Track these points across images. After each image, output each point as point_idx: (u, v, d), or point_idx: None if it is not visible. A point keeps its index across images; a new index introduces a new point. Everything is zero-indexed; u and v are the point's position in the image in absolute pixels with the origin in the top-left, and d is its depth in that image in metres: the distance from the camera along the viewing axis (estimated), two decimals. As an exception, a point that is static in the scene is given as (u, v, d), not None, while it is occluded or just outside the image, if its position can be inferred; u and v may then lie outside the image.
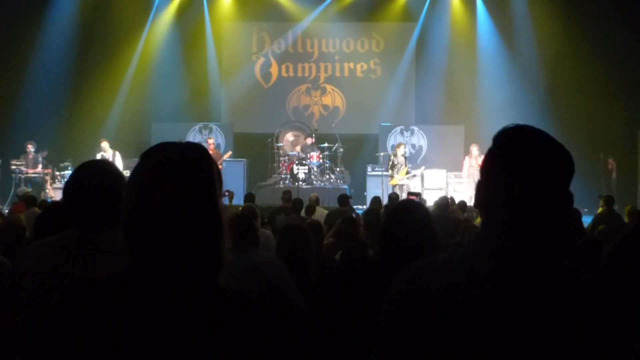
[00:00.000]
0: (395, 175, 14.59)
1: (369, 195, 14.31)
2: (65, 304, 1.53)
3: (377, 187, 15.22)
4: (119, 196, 2.13)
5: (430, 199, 11.95)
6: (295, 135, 17.82)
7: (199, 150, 1.58)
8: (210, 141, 16.03)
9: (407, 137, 17.32)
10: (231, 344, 1.47)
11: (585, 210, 10.30)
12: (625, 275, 2.99)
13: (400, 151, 14.94)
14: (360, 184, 16.36)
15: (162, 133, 17.47)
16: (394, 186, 14.53)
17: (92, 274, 1.80)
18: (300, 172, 15.96)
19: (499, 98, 17.03)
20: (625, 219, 9.88)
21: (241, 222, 4.31)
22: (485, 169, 1.64)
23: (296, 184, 15.59)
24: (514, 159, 1.58)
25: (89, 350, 1.45)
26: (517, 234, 1.59)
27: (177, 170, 1.51)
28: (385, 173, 15.45)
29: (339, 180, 16.31)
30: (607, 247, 3.76)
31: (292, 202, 10.47)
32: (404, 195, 13.30)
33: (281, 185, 15.51)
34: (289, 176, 16.13)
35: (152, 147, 1.59)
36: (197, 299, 1.48)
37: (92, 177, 2.28)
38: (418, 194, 9.80)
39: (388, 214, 3.45)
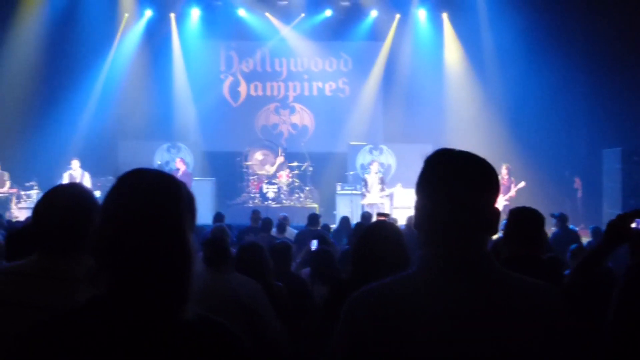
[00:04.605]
0: (368, 195, 14.58)
1: (339, 214, 14.30)
2: (27, 337, 1.50)
3: (347, 206, 15.23)
4: (89, 222, 2.10)
5: (400, 218, 11.97)
6: (264, 154, 17.77)
7: (169, 180, 1.58)
8: (178, 160, 15.85)
9: (376, 155, 17.38)
10: None
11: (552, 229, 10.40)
12: (589, 293, 3.04)
13: (374, 169, 14.95)
14: (329, 203, 16.35)
15: (129, 152, 17.36)
16: (365, 205, 14.51)
17: (54, 303, 1.77)
18: (270, 191, 15.92)
19: (465, 116, 17.23)
20: (587, 239, 10.10)
21: (216, 243, 4.28)
22: (418, 190, 1.71)
23: (265, 203, 15.53)
24: (443, 179, 1.65)
25: None
26: (456, 251, 1.62)
27: (146, 200, 1.51)
28: (355, 192, 15.47)
29: (308, 199, 16.29)
30: (573, 264, 3.81)
31: (261, 222, 10.42)
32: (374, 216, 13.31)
33: (250, 205, 15.44)
34: (258, 195, 16.06)
35: (126, 172, 1.61)
36: (162, 332, 1.47)
37: (62, 201, 2.22)
38: (387, 215, 9.81)
39: (361, 234, 3.44)
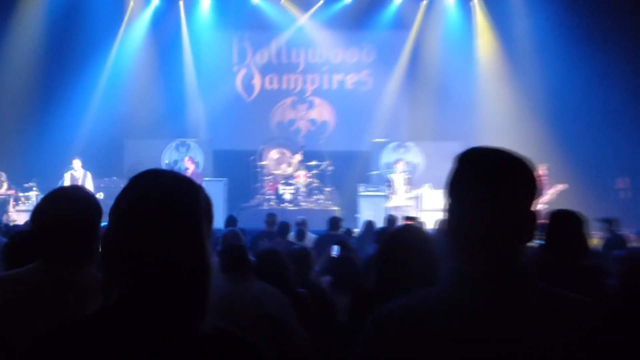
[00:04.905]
0: (393, 196, 14.53)
1: (361, 218, 14.28)
2: (33, 349, 1.50)
3: (370, 208, 15.18)
4: (94, 229, 2.11)
5: (428, 222, 11.91)
6: (280, 153, 17.78)
7: (186, 183, 1.58)
8: (187, 159, 15.90)
9: (401, 153, 17.31)
10: None
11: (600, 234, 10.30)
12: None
13: (400, 168, 14.88)
14: (350, 205, 16.33)
15: (135, 150, 17.46)
16: (390, 208, 14.44)
17: (60, 314, 1.78)
18: (287, 192, 15.91)
19: (499, 112, 17.10)
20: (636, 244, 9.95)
21: (235, 249, 4.30)
22: (448, 192, 1.67)
23: (281, 205, 15.53)
24: (476, 180, 1.62)
25: None
26: (491, 263, 1.59)
27: (161, 204, 1.51)
28: (379, 193, 15.44)
29: (328, 201, 16.27)
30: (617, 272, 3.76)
31: (277, 226, 10.42)
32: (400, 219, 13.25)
33: (265, 207, 15.46)
34: (273, 197, 16.07)
35: (139, 173, 1.60)
36: (177, 346, 1.46)
37: (65, 206, 2.24)
38: (414, 219, 9.77)
39: (386, 240, 3.42)
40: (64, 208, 2.23)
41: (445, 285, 1.65)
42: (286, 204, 15.77)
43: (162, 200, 1.51)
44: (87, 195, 2.32)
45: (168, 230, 1.49)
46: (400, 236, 3.30)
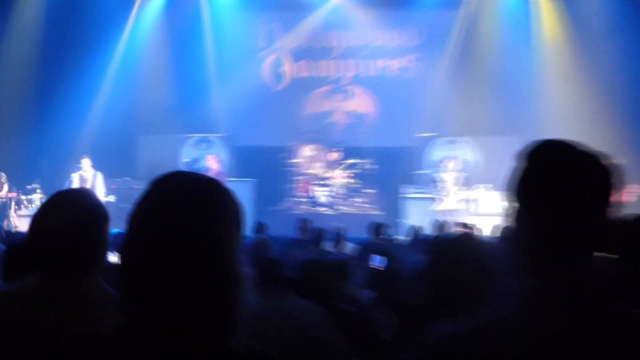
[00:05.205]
0: (442, 199, 14.46)
1: (406, 223, 14.29)
2: None
3: (417, 212, 15.11)
4: (100, 236, 2.13)
5: (485, 228, 11.83)
6: (314, 150, 17.77)
7: (214, 187, 1.59)
8: (211, 157, 15.95)
9: (452, 150, 17.22)
10: None
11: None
12: None
13: (451, 167, 14.81)
14: (394, 209, 16.30)
15: (150, 148, 17.61)
16: (439, 212, 14.37)
17: (65, 330, 1.84)
18: (321, 194, 15.91)
19: (565, 102, 16.92)
20: None
21: (270, 262, 4.35)
22: (512, 194, 1.64)
23: (316, 209, 15.54)
24: (548, 181, 1.59)
25: None
26: (563, 281, 1.56)
27: (185, 210, 1.52)
28: (426, 195, 15.41)
29: (368, 205, 16.23)
30: None
31: (311, 232, 10.42)
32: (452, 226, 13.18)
33: (297, 212, 15.47)
34: (307, 200, 16.08)
35: (161, 176, 1.61)
36: None
37: (67, 212, 2.26)
38: (469, 226, 9.72)
39: (436, 250, 3.39)
40: (65, 214, 2.25)
41: (508, 306, 1.61)
42: (321, 207, 15.77)
43: (187, 207, 1.52)
44: (91, 199, 2.34)
45: (194, 240, 1.49)
46: (454, 247, 3.27)
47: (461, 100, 18.33)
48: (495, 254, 3.23)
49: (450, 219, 13.61)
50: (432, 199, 15.00)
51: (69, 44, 17.64)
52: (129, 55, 18.27)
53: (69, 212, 2.26)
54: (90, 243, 2.21)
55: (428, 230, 11.86)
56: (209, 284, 1.50)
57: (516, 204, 1.64)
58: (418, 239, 10.63)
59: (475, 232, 9.90)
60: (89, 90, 17.73)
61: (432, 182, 15.20)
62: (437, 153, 17.34)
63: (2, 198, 15.10)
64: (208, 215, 1.53)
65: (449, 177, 14.73)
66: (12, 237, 9.94)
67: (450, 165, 14.91)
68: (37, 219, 2.30)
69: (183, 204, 1.52)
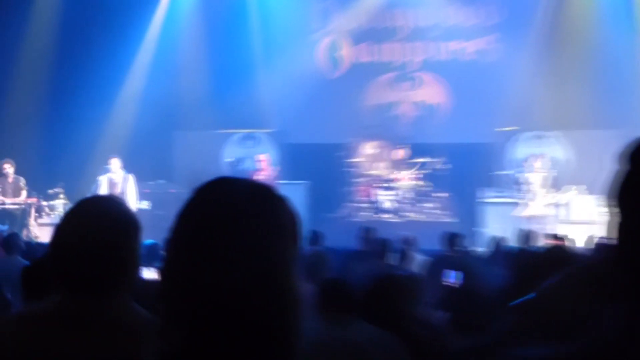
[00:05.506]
0: (530, 203, 14.34)
1: (485, 233, 14.27)
2: None
3: (498, 220, 15.02)
4: (130, 251, 2.14)
5: (578, 239, 11.71)
6: (377, 147, 17.76)
7: (268, 195, 1.60)
8: (263, 159, 15.96)
9: (539, 146, 17.10)
10: None
11: None
12: None
13: (538, 166, 14.70)
14: (469, 216, 16.25)
15: (188, 146, 17.80)
16: (525, 219, 14.25)
17: (91, 359, 1.86)
18: (386, 199, 15.90)
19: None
20: None
21: (334, 284, 4.35)
22: (615, 199, 1.59)
23: (380, 216, 15.53)
24: None
25: None
26: None
27: (235, 223, 1.52)
28: (508, 200, 15.33)
29: (441, 211, 16.18)
30: None
31: (374, 243, 10.40)
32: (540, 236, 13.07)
33: (358, 219, 15.48)
34: (369, 205, 16.08)
35: (207, 183, 1.61)
36: None
37: (93, 223, 2.26)
38: (562, 238, 9.62)
39: (524, 266, 3.34)
40: (91, 226, 2.25)
41: (609, 333, 1.56)
42: (385, 214, 15.76)
43: (237, 221, 1.52)
44: (121, 208, 2.35)
45: (247, 259, 1.49)
46: (545, 263, 3.21)
47: (549, 88, 18.14)
48: (594, 271, 3.17)
49: (537, 227, 13.50)
50: (516, 204, 14.95)
51: (94, 30, 17.90)
52: (162, 41, 18.50)
53: (96, 223, 2.26)
54: (119, 258, 2.21)
55: (511, 241, 11.78)
56: (264, 308, 1.50)
57: (617, 211, 1.59)
58: (499, 252, 10.57)
59: (568, 244, 9.80)
60: (117, 81, 18.01)
61: (515, 184, 15.15)
62: (521, 150, 17.24)
63: (20, 205, 15.22)
64: (262, 229, 1.53)
65: (535, 178, 14.66)
66: (33, 250, 10.10)
67: (537, 164, 14.83)
68: (59, 232, 2.31)
69: (232, 217, 1.52)
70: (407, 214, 15.96)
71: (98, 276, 2.21)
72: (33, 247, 10.78)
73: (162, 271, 1.55)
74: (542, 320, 2.96)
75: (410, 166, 16.42)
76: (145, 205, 14.49)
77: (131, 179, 15.11)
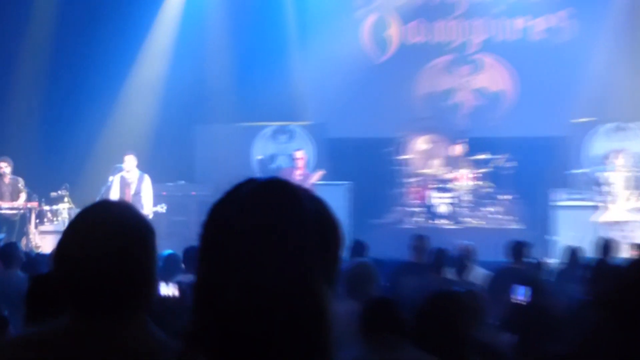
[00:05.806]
0: (610, 207, 14.28)
1: (558, 241, 14.16)
2: None
3: (573, 226, 14.93)
4: (146, 263, 2.14)
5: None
6: (431, 142, 17.74)
7: (307, 200, 1.61)
8: (300, 156, 15.95)
9: (621, 141, 16.99)
10: None
11: None
12: None
13: (620, 164, 14.63)
14: (539, 222, 16.17)
15: (212, 141, 17.87)
16: (606, 225, 14.17)
17: None
18: (442, 202, 15.90)
19: None
20: None
21: (381, 304, 4.37)
22: None
23: (434, 222, 15.52)
24: None
25: None
26: None
27: (272, 232, 1.53)
28: (585, 203, 15.26)
29: (506, 216, 16.15)
30: None
31: (428, 255, 10.39)
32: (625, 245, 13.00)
33: (409, 226, 15.50)
34: (422, 210, 16.09)
35: (236, 187, 1.62)
36: None
37: (102, 233, 2.25)
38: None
39: (603, 281, 3.32)
40: (100, 237, 2.24)
41: None
42: (441, 220, 15.75)
43: (271, 231, 1.52)
44: (134, 215, 2.34)
45: (281, 276, 1.50)
46: (628, 279, 3.19)
47: (632, 72, 18.03)
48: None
49: (619, 235, 13.41)
50: (594, 208, 14.87)
51: (103, 12, 18.03)
52: (183, 22, 18.58)
53: (107, 232, 2.25)
54: (135, 273, 2.20)
55: (588, 251, 11.71)
56: (294, 327, 1.51)
57: None
58: (575, 264, 10.51)
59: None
60: (129, 69, 18.06)
61: (593, 185, 15.06)
62: (600, 145, 17.16)
63: (19, 209, 15.26)
64: (297, 239, 1.53)
65: (616, 177, 14.59)
66: (33, 262, 10.18)
67: (619, 161, 14.76)
68: (64, 243, 2.30)
69: (265, 227, 1.53)
70: (465, 219, 15.93)
71: (110, 294, 2.21)
72: (33, 258, 10.86)
73: (195, 286, 1.56)
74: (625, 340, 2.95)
75: (469, 164, 16.37)
76: (162, 209, 14.46)
77: (147, 179, 15.12)
